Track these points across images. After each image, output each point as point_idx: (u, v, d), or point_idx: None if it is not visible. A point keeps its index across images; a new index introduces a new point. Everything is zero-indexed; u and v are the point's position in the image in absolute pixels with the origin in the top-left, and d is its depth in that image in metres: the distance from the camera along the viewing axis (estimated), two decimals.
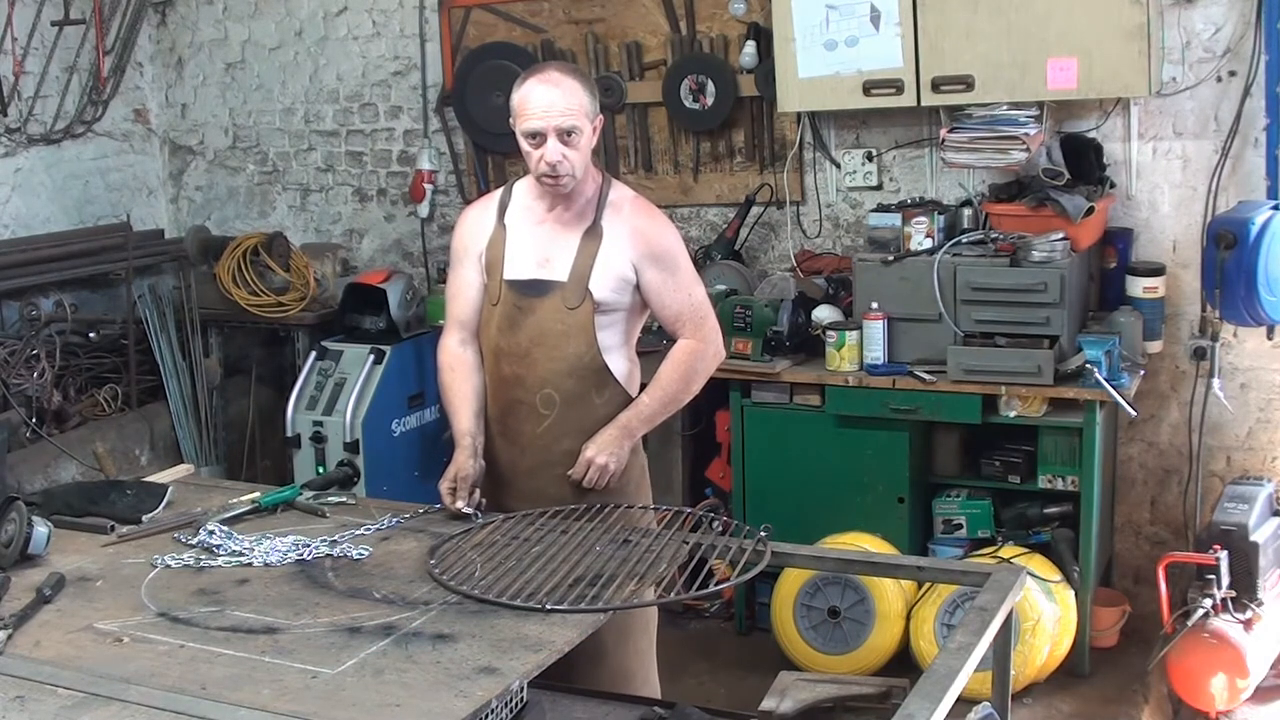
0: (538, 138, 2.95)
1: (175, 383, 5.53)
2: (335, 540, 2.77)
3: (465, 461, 3.01)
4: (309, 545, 2.73)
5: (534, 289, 3.06)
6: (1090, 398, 4.09)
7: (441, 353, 3.21)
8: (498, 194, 3.20)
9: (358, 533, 2.83)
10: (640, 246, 3.05)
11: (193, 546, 2.76)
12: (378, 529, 2.86)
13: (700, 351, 3.12)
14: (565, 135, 2.93)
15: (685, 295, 3.10)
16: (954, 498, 4.45)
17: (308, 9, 5.85)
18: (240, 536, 2.78)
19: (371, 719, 2.00)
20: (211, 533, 2.79)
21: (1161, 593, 4.04)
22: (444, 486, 2.99)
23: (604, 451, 3.01)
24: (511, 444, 3.14)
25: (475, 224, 3.19)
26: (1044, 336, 4.14)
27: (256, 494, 3.08)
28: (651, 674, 3.23)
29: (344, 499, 3.09)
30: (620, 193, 3.12)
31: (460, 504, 2.93)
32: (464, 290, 3.19)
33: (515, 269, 3.09)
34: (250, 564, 2.66)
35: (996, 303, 4.19)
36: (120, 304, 5.66)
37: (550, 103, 2.92)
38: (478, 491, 2.99)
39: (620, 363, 3.11)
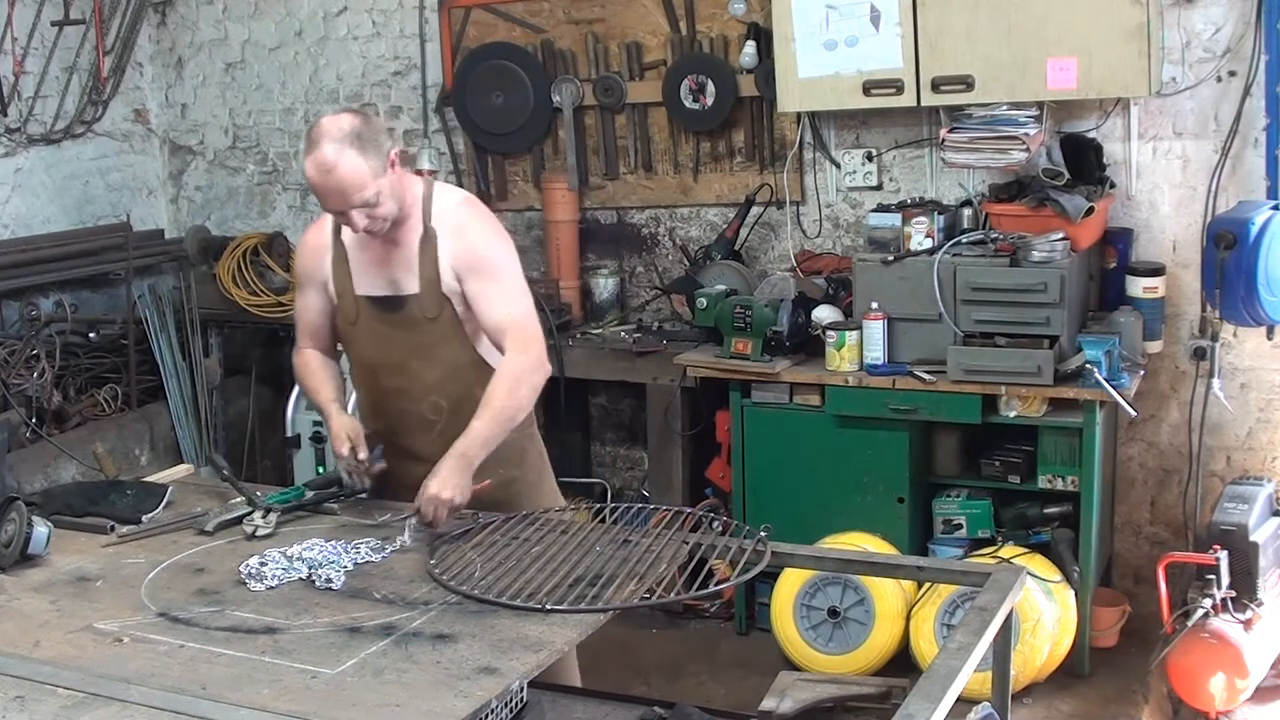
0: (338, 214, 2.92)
1: (175, 383, 5.53)
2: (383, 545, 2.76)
3: (342, 418, 3.06)
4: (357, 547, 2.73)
5: (390, 305, 3.05)
6: (1090, 398, 4.08)
7: (295, 359, 3.29)
8: (329, 215, 3.07)
9: (403, 537, 2.78)
10: (460, 254, 2.99)
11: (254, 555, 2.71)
12: (416, 537, 2.80)
13: (525, 365, 2.98)
14: (360, 206, 2.87)
15: (505, 306, 2.99)
16: (954, 498, 4.44)
17: (308, 9, 5.85)
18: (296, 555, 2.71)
19: (371, 719, 2.01)
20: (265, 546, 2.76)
21: (1161, 593, 4.04)
22: (340, 449, 3.00)
23: (445, 486, 2.84)
24: (407, 458, 3.08)
25: (313, 248, 3.16)
26: (1044, 336, 4.14)
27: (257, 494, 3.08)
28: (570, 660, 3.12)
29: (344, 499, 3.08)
30: (448, 197, 3.06)
31: (362, 454, 2.97)
32: (305, 314, 3.23)
33: (366, 286, 3.07)
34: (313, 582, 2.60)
35: (996, 303, 4.18)
36: (120, 304, 5.66)
37: (326, 193, 2.84)
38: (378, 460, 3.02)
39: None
